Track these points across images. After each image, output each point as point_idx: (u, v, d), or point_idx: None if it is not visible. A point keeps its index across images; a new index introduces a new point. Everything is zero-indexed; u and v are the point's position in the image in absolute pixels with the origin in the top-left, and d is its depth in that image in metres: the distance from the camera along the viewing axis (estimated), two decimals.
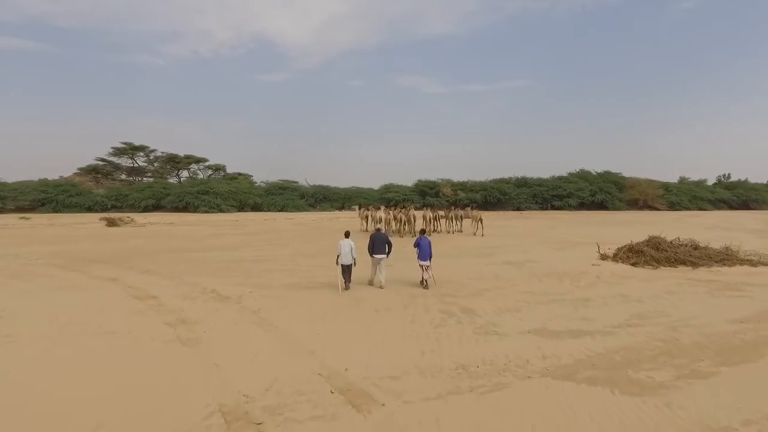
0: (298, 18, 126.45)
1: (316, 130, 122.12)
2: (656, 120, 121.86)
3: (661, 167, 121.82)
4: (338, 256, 10.26)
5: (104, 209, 48.54)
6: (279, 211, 51.70)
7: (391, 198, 54.61)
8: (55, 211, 47.23)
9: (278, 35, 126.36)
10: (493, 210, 54.41)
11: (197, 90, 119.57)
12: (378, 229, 11.55)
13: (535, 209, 56.49)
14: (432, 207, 34.32)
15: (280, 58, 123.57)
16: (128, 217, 37.09)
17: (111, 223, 31.40)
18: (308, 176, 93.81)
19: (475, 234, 24.45)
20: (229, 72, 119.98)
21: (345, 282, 10.35)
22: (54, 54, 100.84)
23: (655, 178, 63.79)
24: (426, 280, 10.93)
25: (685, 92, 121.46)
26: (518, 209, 55.91)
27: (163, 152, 56.20)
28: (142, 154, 55.35)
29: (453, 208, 30.15)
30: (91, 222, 32.87)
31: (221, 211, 48.57)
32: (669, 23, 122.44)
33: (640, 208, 59.53)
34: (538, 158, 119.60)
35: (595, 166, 64.76)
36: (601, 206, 58.45)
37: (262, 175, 66.11)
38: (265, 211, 51.44)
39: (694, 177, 69.82)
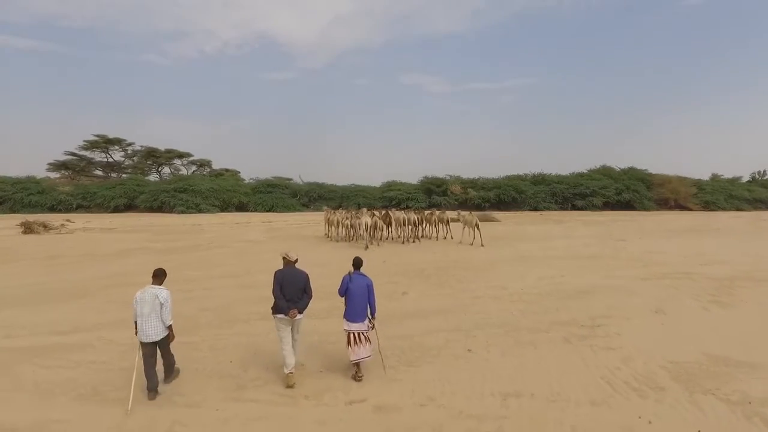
0: (304, 17, 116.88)
1: (321, 129, 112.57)
2: (669, 116, 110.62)
3: (678, 163, 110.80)
4: (136, 322, 4.55)
5: (69, 209, 40.09)
6: (267, 211, 42.78)
7: (393, 197, 45.35)
8: (13, 211, 38.81)
9: (283, 34, 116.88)
10: (508, 210, 44.94)
11: (202, 89, 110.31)
12: (290, 262, 5.01)
13: (555, 209, 46.80)
14: (416, 209, 26.12)
15: (285, 57, 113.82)
16: (68, 220, 28.36)
17: (28, 229, 22.57)
18: (312, 175, 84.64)
19: (471, 244, 16.43)
20: (234, 71, 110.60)
21: (150, 385, 4.47)
22: (59, 54, 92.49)
23: (670, 175, 53.61)
24: (357, 366, 4.87)
25: (699, 88, 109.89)
26: (536, 209, 46.28)
27: (141, 146, 47.40)
28: (117, 147, 46.56)
29: (434, 209, 23.17)
30: (9, 227, 24.07)
31: (200, 211, 39.76)
32: (677, 18, 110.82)
33: (671, 208, 49.61)
34: (548, 156, 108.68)
35: (609, 163, 54.68)
36: (628, 206, 48.56)
37: (264, 174, 56.61)
38: (251, 211, 42.52)
39: (719, 174, 59.42)
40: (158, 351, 4.63)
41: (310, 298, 4.99)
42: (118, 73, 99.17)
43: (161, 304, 4.56)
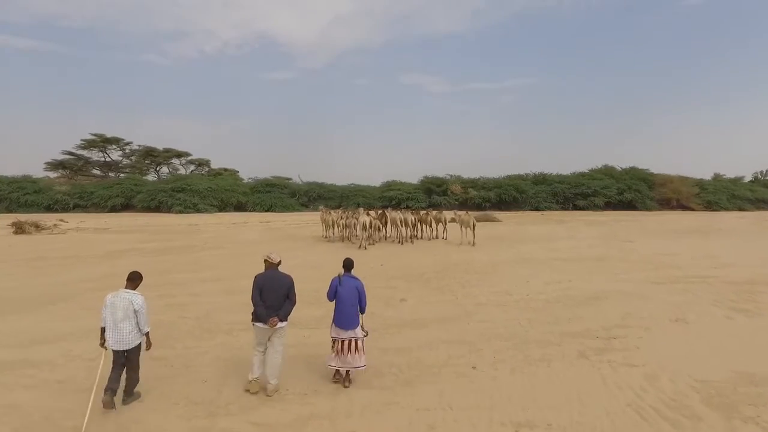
0: (304, 17, 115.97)
1: (320, 129, 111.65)
2: (669, 116, 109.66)
3: (679, 163, 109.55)
4: (102, 329, 4.12)
5: (66, 208, 39.54)
6: (266, 210, 42.16)
7: (393, 197, 44.69)
8: (9, 210, 38.26)
9: (283, 34, 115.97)
10: (508, 210, 44.30)
11: (202, 89, 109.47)
12: (272, 265, 4.59)
13: (556, 209, 46.10)
14: (413, 209, 26.35)
15: (285, 57, 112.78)
16: (61, 220, 27.78)
17: (19, 229, 21.98)
18: (312, 174, 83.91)
19: (472, 244, 15.92)
20: (234, 71, 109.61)
21: (110, 384, 4.03)
22: (59, 54, 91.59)
23: (672, 174, 52.87)
24: (346, 374, 4.58)
25: (699, 87, 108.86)
26: (537, 209, 45.59)
27: (139, 145, 46.77)
28: (115, 147, 45.94)
29: (429, 209, 23.02)
30: (0, 227, 23.45)
31: (198, 211, 39.16)
32: (677, 18, 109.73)
33: (673, 208, 48.90)
34: (548, 156, 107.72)
35: (610, 163, 54.00)
36: (630, 206, 47.86)
37: (263, 174, 55.06)
38: (249, 211, 41.92)
39: (721, 173, 58.57)
40: (128, 363, 4.17)
41: (293, 304, 4.55)
42: (118, 73, 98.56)
43: (135, 311, 4.12)
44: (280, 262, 4.62)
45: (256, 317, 4.38)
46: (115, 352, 4.12)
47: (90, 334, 5.95)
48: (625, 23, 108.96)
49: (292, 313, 4.55)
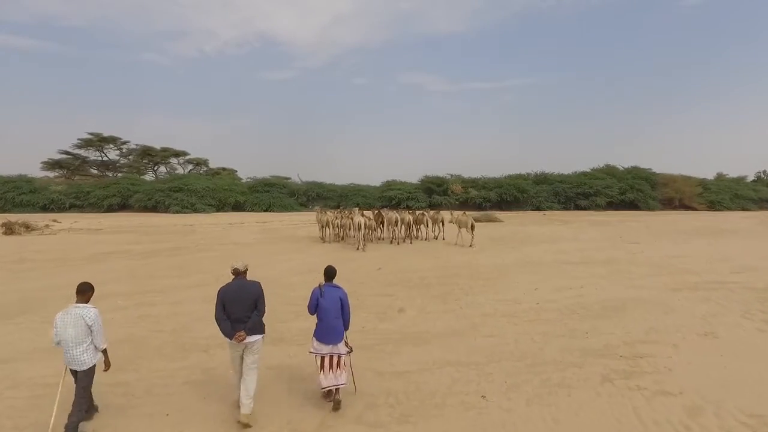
0: (304, 17, 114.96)
1: (320, 128, 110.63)
2: (670, 116, 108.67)
3: (680, 163, 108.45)
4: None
5: (62, 208, 38.85)
6: (264, 210, 41.44)
7: (393, 197, 43.91)
8: (4, 210, 37.56)
9: (283, 34, 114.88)
10: (509, 210, 43.54)
11: (201, 88, 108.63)
12: (239, 273, 4.01)
13: (558, 209, 45.33)
14: (410, 209, 25.80)
15: (285, 56, 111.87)
16: (54, 220, 27.08)
17: (9, 230, 21.30)
18: (312, 174, 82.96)
19: (471, 245, 15.17)
20: (234, 70, 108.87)
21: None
22: (59, 53, 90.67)
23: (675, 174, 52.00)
24: (334, 393, 4.04)
25: (700, 87, 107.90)
26: (538, 209, 44.83)
27: (137, 144, 45.98)
28: (113, 146, 45.16)
29: (426, 209, 22.47)
30: None
31: (196, 211, 38.44)
32: (677, 18, 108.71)
33: (675, 208, 48.16)
34: (549, 156, 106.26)
35: (611, 162, 53.11)
36: (632, 206, 47.09)
37: (262, 173, 53.65)
38: (248, 211, 41.20)
39: (724, 173, 57.63)
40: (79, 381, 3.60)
41: (262, 314, 3.94)
42: (117, 73, 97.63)
43: (89, 327, 3.56)
44: (246, 270, 4.08)
45: (223, 332, 3.81)
46: (73, 372, 3.66)
47: (51, 352, 5.21)
48: (625, 23, 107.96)
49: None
